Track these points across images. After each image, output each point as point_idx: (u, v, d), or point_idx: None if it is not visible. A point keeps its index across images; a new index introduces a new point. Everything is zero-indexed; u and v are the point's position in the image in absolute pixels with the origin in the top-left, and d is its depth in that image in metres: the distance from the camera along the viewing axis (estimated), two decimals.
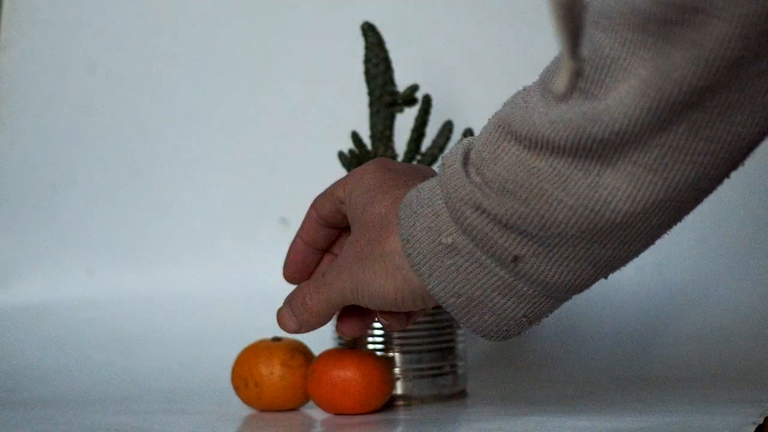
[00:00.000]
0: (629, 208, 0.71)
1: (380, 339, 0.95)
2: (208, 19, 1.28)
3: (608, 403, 0.91)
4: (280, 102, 1.26)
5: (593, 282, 0.76)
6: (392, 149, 0.97)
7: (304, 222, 0.86)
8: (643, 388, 0.99)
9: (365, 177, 0.82)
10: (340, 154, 0.98)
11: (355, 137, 0.97)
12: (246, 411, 0.93)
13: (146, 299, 1.23)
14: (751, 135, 0.70)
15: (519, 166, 0.72)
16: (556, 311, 0.78)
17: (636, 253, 0.74)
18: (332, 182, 0.83)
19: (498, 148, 0.73)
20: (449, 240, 0.75)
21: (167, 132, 1.28)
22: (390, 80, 0.96)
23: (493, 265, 0.75)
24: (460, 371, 0.97)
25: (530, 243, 0.73)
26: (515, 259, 0.74)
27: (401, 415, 0.90)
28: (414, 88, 0.96)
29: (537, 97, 0.73)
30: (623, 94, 0.69)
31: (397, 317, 0.82)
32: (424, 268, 0.76)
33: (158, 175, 1.27)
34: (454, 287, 0.76)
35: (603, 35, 0.69)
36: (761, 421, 0.79)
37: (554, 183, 0.72)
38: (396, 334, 0.94)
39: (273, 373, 0.91)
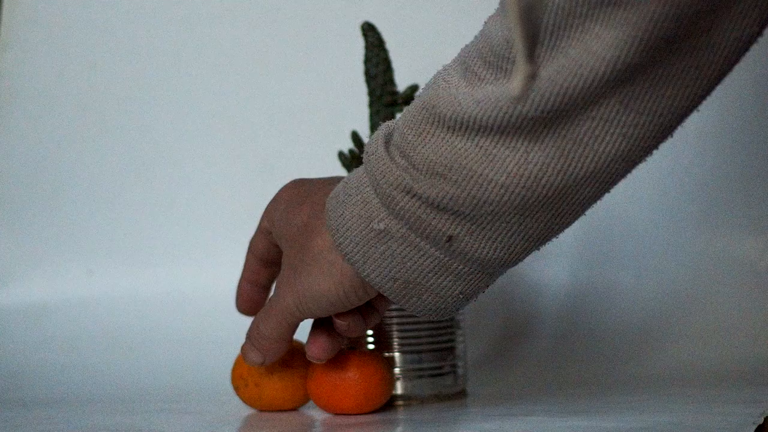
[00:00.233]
0: (560, 182, 0.72)
1: (372, 338, 0.94)
2: (208, 19, 1.28)
3: (608, 403, 0.91)
4: (280, 102, 1.26)
5: (527, 255, 0.77)
6: None
7: (244, 265, 0.89)
8: (643, 388, 0.99)
9: (281, 198, 0.84)
10: (340, 154, 0.98)
11: (355, 137, 0.97)
12: (246, 411, 0.93)
13: (146, 299, 1.23)
14: (680, 108, 0.71)
15: (446, 148, 0.73)
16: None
17: (567, 225, 0.75)
18: None
19: (424, 131, 0.74)
20: (381, 225, 0.76)
21: (167, 132, 1.28)
22: (390, 80, 0.96)
23: (428, 246, 0.75)
24: (460, 371, 0.97)
25: (463, 222, 0.74)
26: (449, 239, 0.75)
27: (401, 415, 0.90)
28: (414, 88, 0.96)
29: (458, 77, 0.73)
30: (552, 73, 0.69)
31: (352, 317, 0.82)
32: (357, 256, 0.77)
33: (158, 175, 1.27)
34: (390, 272, 0.77)
35: None
36: (761, 421, 0.79)
37: (483, 162, 0.72)
38: (396, 334, 0.94)
39: (273, 373, 0.91)
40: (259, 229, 0.87)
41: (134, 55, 1.28)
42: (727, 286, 1.15)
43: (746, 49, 0.70)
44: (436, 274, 0.77)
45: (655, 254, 1.17)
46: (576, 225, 0.77)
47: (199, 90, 1.27)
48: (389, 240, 0.76)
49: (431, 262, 0.76)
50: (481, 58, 0.72)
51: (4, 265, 1.27)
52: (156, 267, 1.25)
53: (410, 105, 0.76)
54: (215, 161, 1.27)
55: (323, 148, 1.11)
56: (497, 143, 0.71)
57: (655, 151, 0.73)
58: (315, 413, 0.91)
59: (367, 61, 0.96)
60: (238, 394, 0.93)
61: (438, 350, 0.95)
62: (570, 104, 0.69)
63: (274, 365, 0.91)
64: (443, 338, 0.95)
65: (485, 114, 0.71)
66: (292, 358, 0.91)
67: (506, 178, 0.72)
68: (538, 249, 0.77)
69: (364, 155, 0.78)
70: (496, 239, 0.75)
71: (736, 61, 0.70)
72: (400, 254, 0.76)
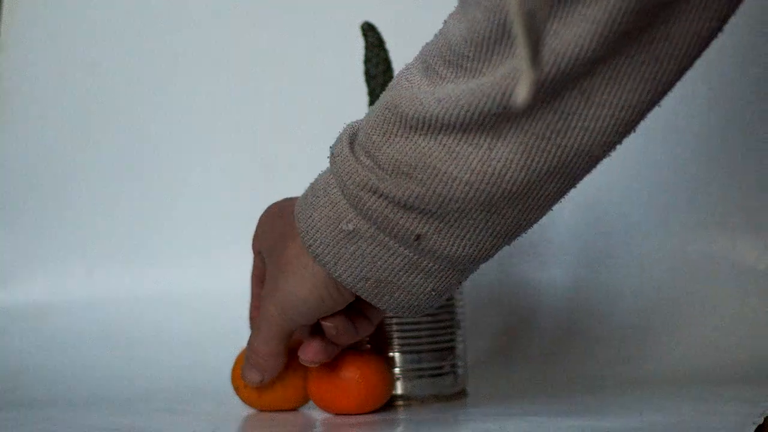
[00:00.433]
0: (524, 178, 0.72)
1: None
2: (208, 19, 1.28)
3: (608, 403, 0.91)
4: (280, 102, 1.26)
5: (496, 251, 0.77)
6: None
7: (251, 292, 0.90)
8: (643, 388, 0.99)
9: (263, 221, 0.85)
10: None
11: None
12: (246, 411, 0.93)
13: (146, 299, 1.23)
14: (641, 102, 0.71)
15: (411, 147, 0.73)
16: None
17: (535, 221, 0.76)
18: None
19: (388, 130, 0.74)
20: (350, 226, 0.76)
21: (167, 132, 1.28)
22: (390, 80, 0.96)
23: (397, 245, 0.76)
24: (460, 371, 0.96)
25: (431, 220, 0.74)
26: (418, 237, 0.75)
27: (401, 415, 0.90)
28: None
29: (419, 77, 0.73)
30: (512, 69, 0.69)
31: (338, 319, 0.83)
32: (327, 258, 0.77)
33: (158, 175, 1.27)
34: (360, 271, 0.77)
35: (488, 14, 0.69)
36: (761, 421, 0.79)
37: (447, 161, 0.72)
38: (396, 334, 0.94)
39: None
40: (254, 256, 0.88)
41: (134, 56, 1.28)
42: (727, 286, 1.15)
43: (706, 44, 0.70)
44: (406, 272, 0.77)
45: (655, 255, 1.17)
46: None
47: (199, 90, 1.27)
48: (359, 240, 0.77)
49: (401, 261, 0.77)
50: (441, 57, 0.73)
51: (4, 265, 1.27)
52: (156, 267, 1.25)
53: (374, 105, 0.76)
54: (215, 161, 1.27)
55: (323, 148, 1.11)
56: (460, 141, 0.72)
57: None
58: (315, 413, 0.91)
59: (367, 61, 0.96)
60: (238, 394, 0.93)
61: (438, 350, 0.95)
62: (531, 100, 0.70)
63: None
64: (443, 338, 0.95)
65: (447, 112, 0.71)
66: (292, 358, 0.91)
67: (470, 176, 0.72)
68: (509, 244, 0.77)
69: (329, 156, 0.78)
70: (464, 236, 0.75)
71: (697, 55, 0.71)
72: (370, 254, 0.77)
